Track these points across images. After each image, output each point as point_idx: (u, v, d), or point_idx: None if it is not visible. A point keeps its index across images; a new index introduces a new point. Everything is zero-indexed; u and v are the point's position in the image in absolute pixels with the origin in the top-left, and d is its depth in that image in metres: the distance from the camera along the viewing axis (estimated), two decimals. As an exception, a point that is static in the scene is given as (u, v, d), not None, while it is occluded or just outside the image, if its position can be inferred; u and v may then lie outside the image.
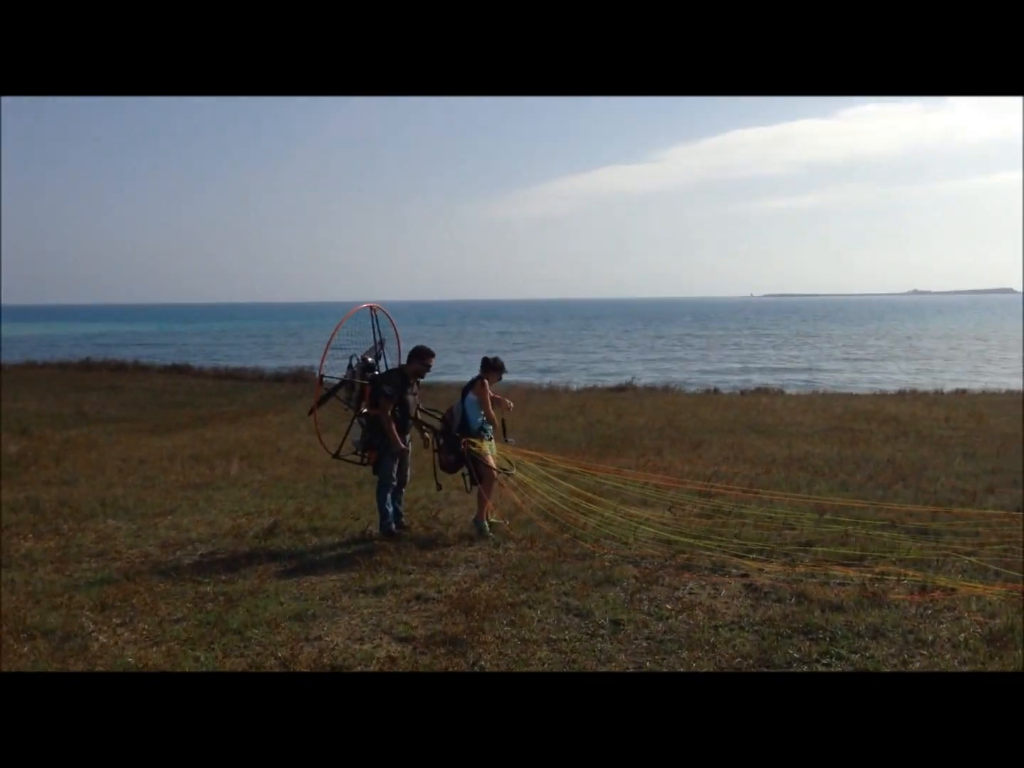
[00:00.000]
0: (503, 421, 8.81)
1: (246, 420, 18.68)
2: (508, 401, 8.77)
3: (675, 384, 28.20)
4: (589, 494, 8.89)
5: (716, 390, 26.60)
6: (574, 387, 27.52)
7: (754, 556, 7.34)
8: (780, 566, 7.10)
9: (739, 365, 46.78)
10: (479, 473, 8.29)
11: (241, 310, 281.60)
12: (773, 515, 8.55)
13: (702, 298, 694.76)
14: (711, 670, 5.14)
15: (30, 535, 8.67)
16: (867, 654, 5.35)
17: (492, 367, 8.70)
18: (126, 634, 5.89)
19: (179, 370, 34.68)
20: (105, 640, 5.73)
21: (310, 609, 6.30)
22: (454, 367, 43.37)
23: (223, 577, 7.11)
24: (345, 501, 10.00)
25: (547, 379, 31.17)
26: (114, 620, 6.14)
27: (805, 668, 5.17)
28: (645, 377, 32.86)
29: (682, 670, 5.15)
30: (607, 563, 7.28)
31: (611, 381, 30.15)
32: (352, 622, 6.09)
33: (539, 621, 6.02)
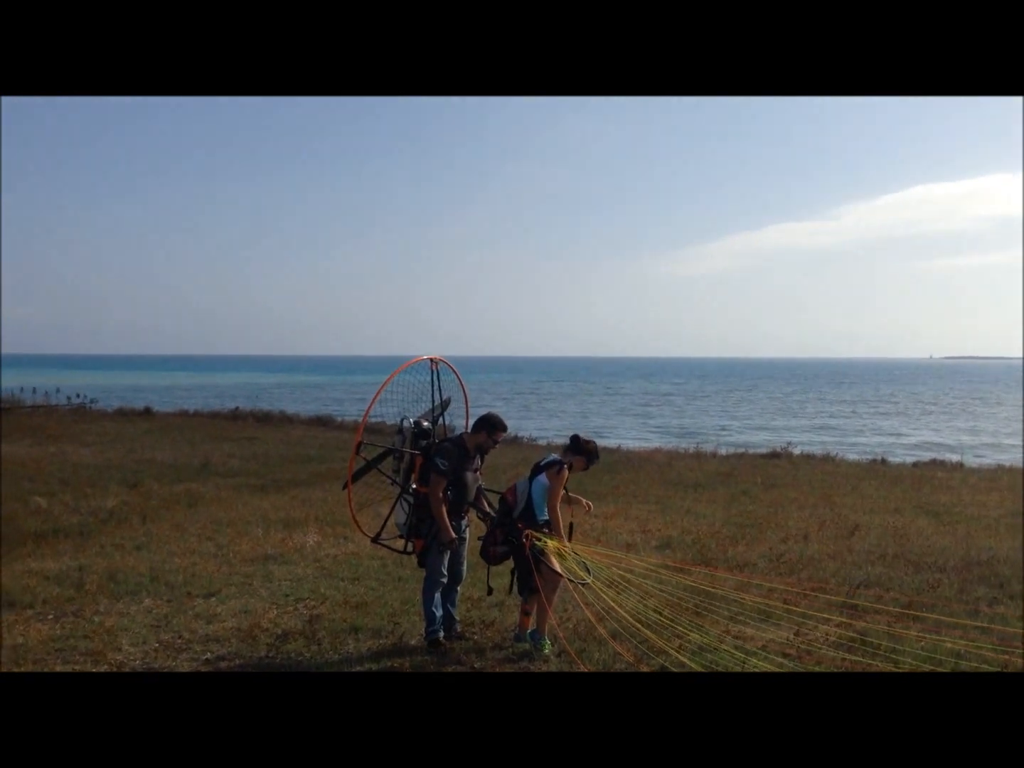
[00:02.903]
0: (571, 525, 6.94)
1: (362, 478, 17.64)
2: (588, 502, 7.00)
3: (837, 452, 25.38)
4: (695, 600, 7.03)
5: (883, 460, 23.63)
6: (723, 452, 25.23)
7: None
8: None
9: (912, 434, 42.77)
10: (540, 576, 6.52)
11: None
12: (938, 656, 6.29)
13: (877, 358, 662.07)
14: None
15: (50, 616, 7.66)
16: None
17: (582, 450, 6.75)
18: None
19: (322, 422, 34.67)
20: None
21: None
22: (608, 428, 41.74)
23: (204, 699, 5.70)
24: (413, 589, 8.51)
25: (695, 442, 28.94)
26: None
27: None
28: (802, 443, 30.04)
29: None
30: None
31: (763, 447, 27.66)
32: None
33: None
